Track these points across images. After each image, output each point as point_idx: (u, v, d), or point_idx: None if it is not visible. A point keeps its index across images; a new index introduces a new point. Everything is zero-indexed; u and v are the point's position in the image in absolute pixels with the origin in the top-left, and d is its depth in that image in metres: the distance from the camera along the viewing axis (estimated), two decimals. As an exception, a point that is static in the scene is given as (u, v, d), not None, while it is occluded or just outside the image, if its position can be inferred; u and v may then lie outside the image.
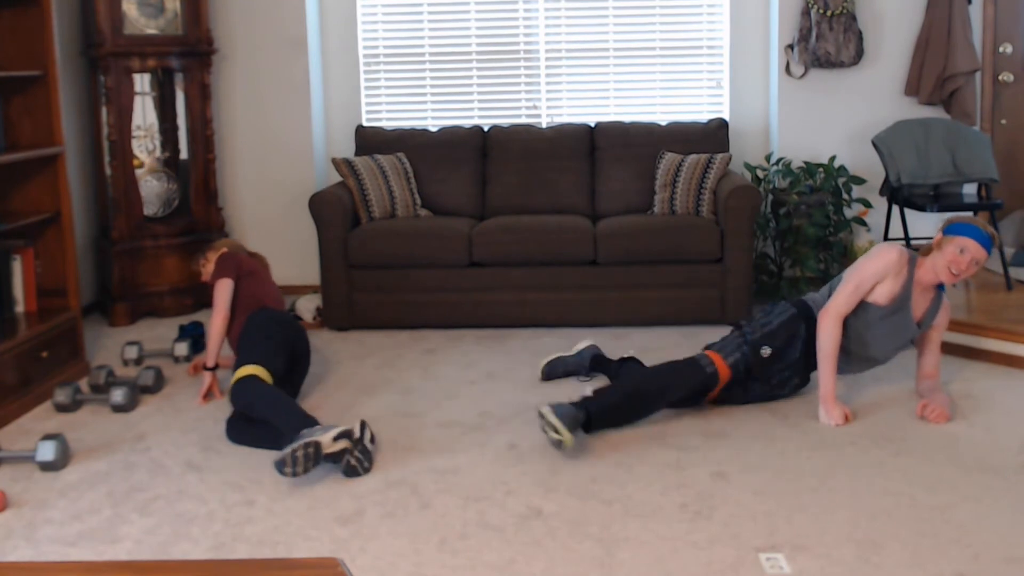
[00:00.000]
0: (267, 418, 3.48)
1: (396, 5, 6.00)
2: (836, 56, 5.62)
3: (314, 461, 3.20)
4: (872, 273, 3.74)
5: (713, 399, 3.88)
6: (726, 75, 5.96)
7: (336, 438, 3.26)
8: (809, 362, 3.87)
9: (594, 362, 4.23)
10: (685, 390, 3.73)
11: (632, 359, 4.15)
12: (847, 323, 3.77)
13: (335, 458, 3.27)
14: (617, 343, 4.71)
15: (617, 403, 3.63)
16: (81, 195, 5.46)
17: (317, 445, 3.21)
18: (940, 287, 3.86)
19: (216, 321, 3.99)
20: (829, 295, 3.86)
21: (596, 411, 3.56)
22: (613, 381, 4.05)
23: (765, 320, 3.87)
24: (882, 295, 3.74)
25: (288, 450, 3.17)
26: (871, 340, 3.79)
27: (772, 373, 3.84)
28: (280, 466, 3.17)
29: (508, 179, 5.61)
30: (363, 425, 3.40)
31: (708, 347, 3.86)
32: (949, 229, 3.76)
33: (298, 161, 5.88)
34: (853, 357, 3.85)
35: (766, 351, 3.79)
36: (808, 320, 3.85)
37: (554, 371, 4.28)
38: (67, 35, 5.30)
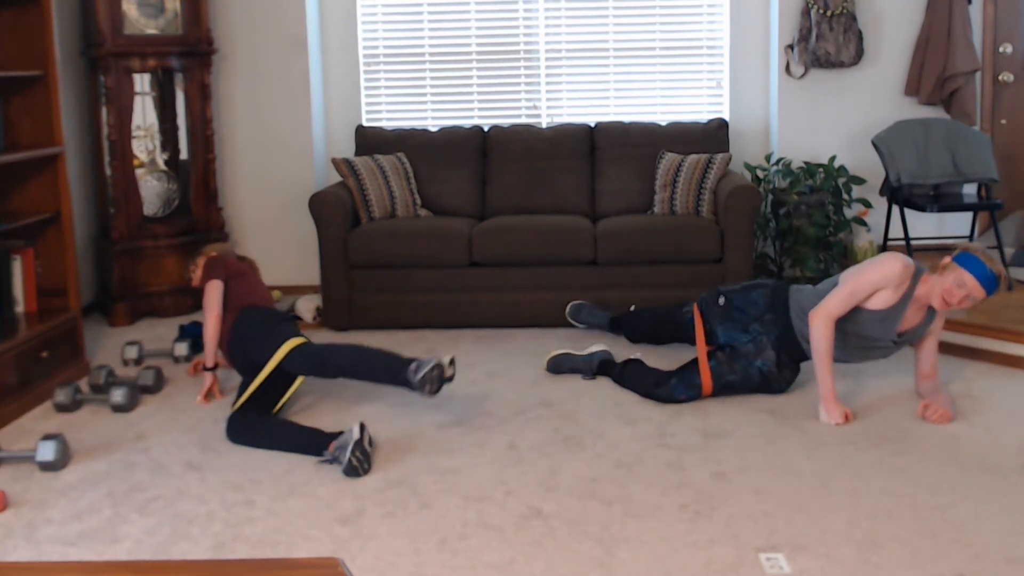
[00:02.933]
0: (360, 367, 3.71)
1: (396, 5, 6.00)
2: (836, 56, 5.62)
3: (439, 382, 3.56)
4: (871, 283, 3.71)
5: (711, 392, 3.90)
6: (726, 75, 5.96)
7: (451, 362, 3.62)
8: (780, 339, 3.91)
9: (601, 366, 4.24)
10: (671, 315, 4.50)
11: (636, 360, 4.17)
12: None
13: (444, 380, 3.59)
14: (617, 343, 4.71)
15: (644, 318, 4.70)
16: (81, 195, 5.46)
17: (441, 367, 3.55)
18: None
19: (209, 322, 4.00)
20: (820, 293, 3.86)
21: (627, 320, 4.75)
22: (618, 382, 4.17)
23: (744, 283, 4.19)
24: (877, 302, 3.73)
25: (424, 371, 3.51)
26: (855, 337, 3.80)
27: (731, 329, 3.99)
28: (421, 385, 3.51)
29: (508, 179, 5.61)
30: (362, 427, 3.40)
31: None
32: (959, 258, 3.67)
33: (298, 161, 5.88)
34: (837, 347, 3.83)
35: (721, 300, 4.07)
36: (775, 296, 3.96)
37: (560, 366, 4.32)
38: (67, 35, 5.30)
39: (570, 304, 4.91)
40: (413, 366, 3.56)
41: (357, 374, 3.71)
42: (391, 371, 3.62)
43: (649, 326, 4.65)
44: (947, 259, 3.71)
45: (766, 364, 3.92)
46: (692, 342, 4.22)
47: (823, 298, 3.79)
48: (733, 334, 4.00)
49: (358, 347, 3.77)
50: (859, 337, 3.80)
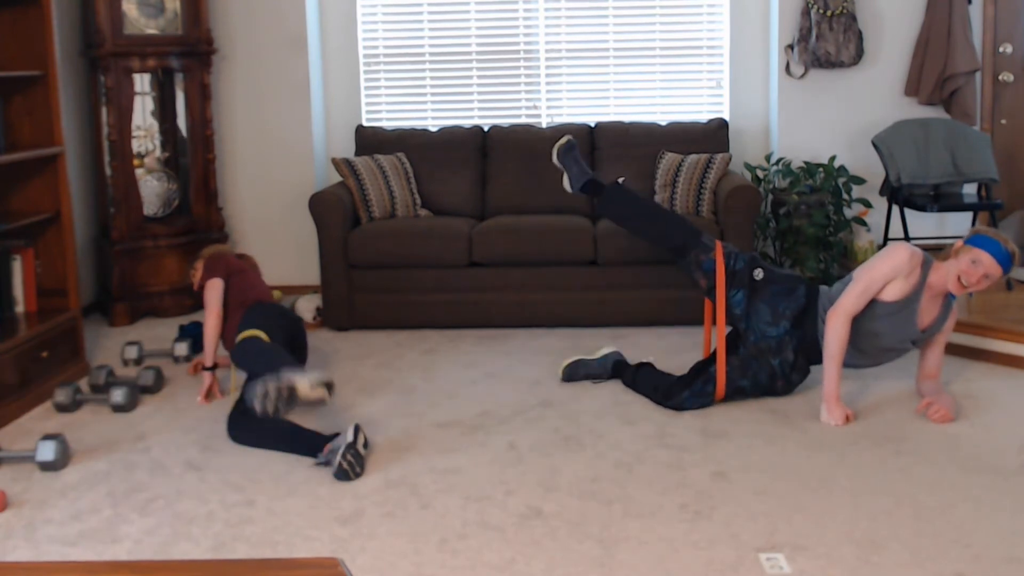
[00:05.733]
0: (259, 371, 3.54)
1: (396, 5, 6.00)
2: (836, 56, 5.62)
3: (286, 404, 3.26)
4: (882, 274, 3.71)
5: (723, 397, 3.86)
6: (726, 75, 5.96)
7: (314, 385, 3.31)
8: (803, 340, 3.86)
9: (615, 368, 4.21)
10: (682, 232, 4.09)
11: (648, 364, 4.14)
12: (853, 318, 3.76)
13: (312, 405, 3.36)
14: (617, 343, 4.71)
15: (630, 198, 4.26)
16: (81, 195, 5.46)
17: (292, 390, 3.27)
18: (951, 296, 3.82)
19: (210, 320, 4.00)
20: (837, 294, 3.85)
21: (610, 190, 4.26)
22: (630, 386, 4.10)
23: (777, 267, 4.05)
24: (890, 293, 3.72)
25: (262, 383, 3.22)
26: (871, 334, 3.78)
27: (760, 313, 3.87)
28: (251, 398, 3.23)
29: (508, 179, 5.61)
30: (356, 429, 3.38)
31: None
32: (971, 239, 3.70)
33: (298, 161, 5.88)
34: (853, 351, 3.83)
35: (759, 273, 3.93)
36: (811, 295, 3.88)
37: (575, 373, 4.23)
38: (67, 35, 5.30)
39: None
40: (286, 371, 3.39)
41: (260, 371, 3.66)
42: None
43: (646, 222, 4.21)
44: (959, 243, 3.73)
45: (782, 365, 3.87)
46: (690, 272, 4.05)
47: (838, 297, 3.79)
48: (760, 323, 3.87)
49: (275, 351, 3.67)
50: (878, 336, 3.78)
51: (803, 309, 3.87)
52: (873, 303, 3.74)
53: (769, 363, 3.88)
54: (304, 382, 3.31)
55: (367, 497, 3.17)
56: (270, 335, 3.85)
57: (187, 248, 5.43)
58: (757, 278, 3.92)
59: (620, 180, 4.36)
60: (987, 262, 3.63)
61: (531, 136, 5.69)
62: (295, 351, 4.02)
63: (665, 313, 5.01)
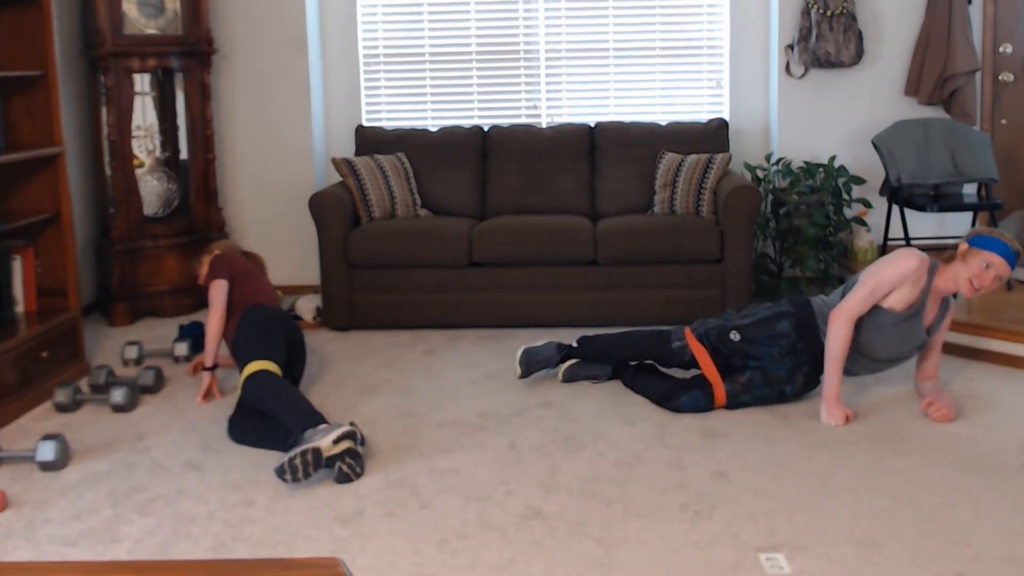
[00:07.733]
0: (274, 413, 3.48)
1: (396, 5, 6.00)
2: (836, 56, 5.62)
3: (314, 467, 3.19)
4: (890, 280, 3.69)
5: (724, 404, 3.84)
6: (726, 75, 5.96)
7: (337, 440, 3.24)
8: (813, 361, 3.84)
9: (615, 370, 4.19)
10: (654, 348, 4.03)
11: (649, 365, 4.14)
12: (857, 325, 3.74)
13: (335, 460, 3.24)
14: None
15: (595, 344, 4.20)
16: (81, 195, 5.46)
17: (317, 451, 3.19)
18: (952, 295, 3.81)
19: (213, 321, 4.00)
20: (842, 297, 3.83)
21: (580, 344, 4.22)
22: (630, 386, 4.10)
23: (753, 311, 3.94)
24: (898, 301, 3.70)
25: (287, 458, 3.17)
26: (879, 344, 3.76)
27: (746, 362, 3.85)
28: (280, 473, 3.17)
29: (508, 179, 5.61)
30: (346, 435, 3.34)
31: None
32: (975, 241, 3.68)
33: (298, 161, 5.88)
34: (859, 358, 3.83)
35: (735, 336, 3.85)
36: (802, 320, 3.82)
37: (576, 374, 4.22)
38: (67, 35, 5.30)
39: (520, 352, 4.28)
40: (307, 434, 3.29)
41: (276, 416, 3.51)
42: (286, 433, 3.42)
43: (620, 353, 4.16)
44: (964, 245, 3.71)
45: (793, 388, 3.85)
46: (684, 368, 4.02)
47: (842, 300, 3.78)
48: (764, 365, 3.84)
49: (288, 394, 3.54)
50: (887, 346, 3.76)
51: (797, 339, 3.81)
52: (881, 313, 3.72)
53: (780, 390, 3.85)
54: (326, 441, 3.21)
55: (367, 497, 3.17)
56: (270, 341, 3.83)
57: (187, 248, 5.43)
58: (735, 340, 3.85)
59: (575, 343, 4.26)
60: (998, 264, 3.62)
61: (531, 136, 5.69)
62: (294, 356, 4.01)
63: (665, 313, 5.00)
